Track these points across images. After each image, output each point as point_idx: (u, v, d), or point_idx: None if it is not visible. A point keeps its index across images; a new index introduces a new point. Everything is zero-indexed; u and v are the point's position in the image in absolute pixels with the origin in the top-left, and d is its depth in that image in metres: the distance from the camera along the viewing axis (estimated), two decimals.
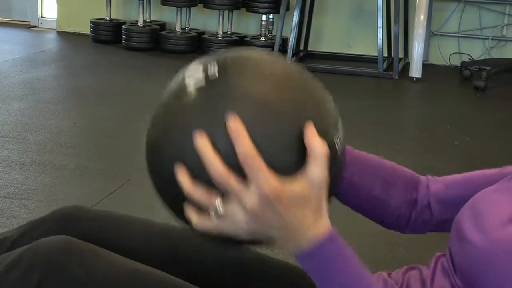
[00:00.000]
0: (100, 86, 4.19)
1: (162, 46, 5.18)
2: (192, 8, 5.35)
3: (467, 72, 4.76)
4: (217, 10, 5.18)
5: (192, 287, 1.02)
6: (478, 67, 4.78)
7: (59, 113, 3.52)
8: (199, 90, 0.78)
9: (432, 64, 5.18)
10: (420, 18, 4.59)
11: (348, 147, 1.03)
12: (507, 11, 5.14)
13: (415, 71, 4.62)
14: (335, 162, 0.82)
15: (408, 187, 1.08)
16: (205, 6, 5.20)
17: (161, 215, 2.43)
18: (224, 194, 0.76)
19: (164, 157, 0.80)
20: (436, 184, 1.08)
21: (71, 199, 2.42)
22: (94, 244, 1.06)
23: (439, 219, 1.06)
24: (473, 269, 0.86)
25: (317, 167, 0.77)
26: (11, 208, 2.30)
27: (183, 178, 0.78)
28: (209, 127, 0.76)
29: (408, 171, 1.10)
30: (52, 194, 2.45)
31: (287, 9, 5.01)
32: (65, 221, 1.15)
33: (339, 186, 1.01)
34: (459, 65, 4.90)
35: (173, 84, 0.86)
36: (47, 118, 3.38)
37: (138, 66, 4.78)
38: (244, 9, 5.20)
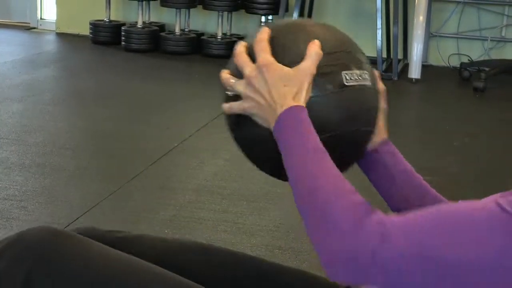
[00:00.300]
0: (100, 88, 4.19)
1: (162, 47, 5.18)
2: (191, 10, 5.35)
3: (466, 73, 4.76)
4: (216, 12, 5.18)
5: (181, 279, 1.02)
6: (477, 68, 4.79)
7: (58, 114, 3.52)
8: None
9: (431, 65, 5.18)
10: (419, 19, 4.60)
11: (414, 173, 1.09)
12: (506, 12, 5.14)
13: (414, 72, 4.62)
14: (341, 91, 0.97)
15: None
16: (205, 8, 5.21)
17: (160, 217, 2.45)
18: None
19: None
20: None
21: (71, 201, 2.42)
22: None
23: None
24: None
25: (307, 60, 0.95)
26: (11, 210, 2.30)
27: (223, 73, 1.01)
28: (251, 39, 1.01)
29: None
30: (51, 195, 2.45)
31: (286, 10, 5.01)
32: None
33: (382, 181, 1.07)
34: (458, 66, 4.90)
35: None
36: (46, 120, 3.38)
37: (137, 68, 4.78)
38: (243, 10, 5.20)
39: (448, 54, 5.14)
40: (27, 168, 2.69)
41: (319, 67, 0.96)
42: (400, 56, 4.98)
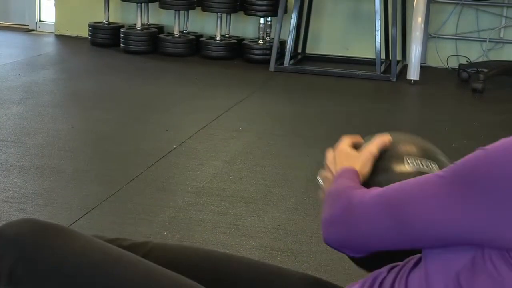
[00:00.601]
0: (99, 90, 4.19)
1: (160, 49, 5.19)
2: (190, 11, 5.36)
3: (464, 75, 4.77)
4: (215, 13, 5.19)
5: (163, 270, 1.02)
6: (475, 69, 4.79)
7: (57, 116, 3.52)
8: None
9: (430, 67, 5.19)
10: (417, 21, 4.60)
11: None
12: (504, 14, 5.15)
13: (413, 73, 4.63)
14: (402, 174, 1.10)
15: None
16: (203, 9, 5.21)
17: (159, 219, 2.45)
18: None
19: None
20: None
21: (70, 203, 2.42)
22: None
23: None
24: None
25: (370, 144, 1.16)
26: (10, 212, 2.30)
27: (321, 174, 1.21)
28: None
29: None
30: (50, 198, 2.45)
31: (285, 12, 5.02)
32: None
33: None
34: (457, 67, 4.90)
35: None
36: (45, 122, 3.39)
37: (136, 70, 4.78)
38: (242, 12, 5.21)
39: (447, 56, 5.14)
40: (26, 170, 2.69)
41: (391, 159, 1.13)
42: (398, 57, 4.98)
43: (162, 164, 2.87)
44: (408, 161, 1.12)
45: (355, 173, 1.12)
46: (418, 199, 0.94)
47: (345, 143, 1.20)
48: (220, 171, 2.80)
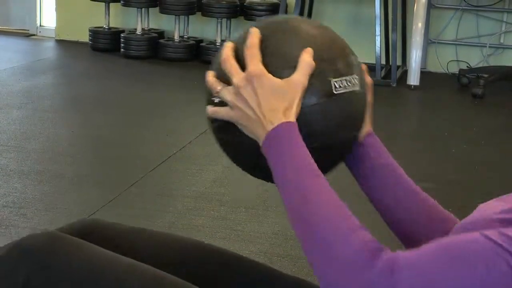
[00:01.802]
0: (99, 94, 4.19)
1: (161, 54, 5.19)
2: (190, 16, 5.37)
3: (465, 80, 4.77)
4: (215, 18, 5.20)
5: (185, 283, 1.02)
6: (476, 74, 4.79)
7: (57, 121, 3.53)
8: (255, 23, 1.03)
9: (430, 72, 5.19)
10: (418, 26, 4.61)
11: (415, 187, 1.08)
12: (504, 19, 5.15)
13: (413, 78, 4.63)
14: (330, 100, 0.95)
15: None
16: (203, 14, 5.22)
17: (159, 224, 2.44)
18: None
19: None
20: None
21: (70, 208, 2.42)
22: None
23: None
24: None
25: (299, 72, 0.93)
26: (10, 217, 2.30)
27: (209, 77, 0.99)
28: (238, 41, 0.98)
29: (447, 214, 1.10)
30: (50, 203, 2.45)
31: None
32: (81, 234, 1.15)
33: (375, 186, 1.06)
34: (457, 72, 4.91)
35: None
36: (45, 127, 3.39)
37: (136, 74, 4.78)
38: (242, 17, 5.22)
39: (447, 61, 5.15)
40: (26, 175, 2.69)
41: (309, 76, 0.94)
42: (399, 62, 4.99)
43: (161, 169, 2.87)
44: (336, 85, 0.96)
45: (301, 141, 0.91)
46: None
47: (254, 61, 0.93)
48: (219, 176, 2.80)
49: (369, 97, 1.07)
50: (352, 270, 0.80)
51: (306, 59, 0.93)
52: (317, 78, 0.95)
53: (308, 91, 0.94)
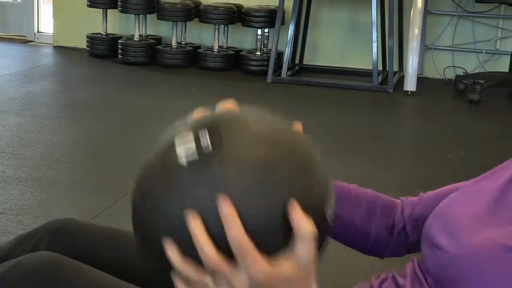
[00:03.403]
0: (96, 101, 4.20)
1: (158, 60, 5.20)
2: (187, 23, 5.38)
3: (461, 86, 4.79)
4: (213, 25, 5.21)
5: None
6: (472, 80, 4.81)
7: (55, 128, 3.53)
8: (192, 164, 0.76)
9: (426, 78, 5.20)
10: (414, 32, 4.62)
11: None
12: (500, 25, 5.17)
13: (410, 84, 4.64)
14: (327, 231, 0.81)
15: (386, 213, 1.11)
16: (201, 21, 5.23)
17: None
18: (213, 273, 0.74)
19: (152, 232, 0.78)
20: (409, 205, 1.11)
21: (67, 214, 2.42)
22: (83, 256, 1.07)
23: (415, 240, 1.08)
24: (447, 276, 0.86)
25: (305, 247, 0.74)
26: (7, 224, 2.30)
27: (173, 254, 0.75)
28: (201, 206, 0.74)
29: (384, 197, 1.13)
30: (47, 209, 2.45)
31: (282, 23, 5.04)
32: (56, 234, 1.17)
33: None
34: (454, 78, 4.92)
35: (162, 149, 0.82)
36: (43, 133, 3.39)
37: (134, 81, 4.79)
38: (240, 23, 5.23)
39: (443, 67, 5.16)
40: (24, 182, 2.70)
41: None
42: (395, 68, 5.00)
43: None
44: (329, 213, 0.80)
45: None
46: None
47: (252, 261, 0.72)
48: None
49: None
50: None
51: (303, 227, 0.74)
52: (317, 216, 0.77)
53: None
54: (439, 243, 0.89)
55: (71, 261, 1.05)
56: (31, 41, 6.05)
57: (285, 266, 0.74)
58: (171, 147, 0.80)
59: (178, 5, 5.16)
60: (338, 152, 3.24)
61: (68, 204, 2.53)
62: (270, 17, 5.09)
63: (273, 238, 0.75)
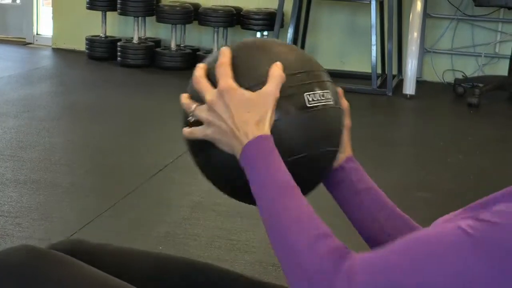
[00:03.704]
0: (95, 103, 4.20)
1: (157, 63, 5.20)
2: (187, 25, 5.38)
3: (460, 89, 4.79)
4: (212, 27, 5.21)
5: None
6: (471, 84, 4.81)
7: (53, 130, 3.53)
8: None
9: (425, 81, 5.21)
10: (413, 36, 4.62)
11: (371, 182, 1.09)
12: (499, 29, 5.17)
13: (409, 88, 4.64)
14: (303, 112, 0.97)
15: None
16: (200, 23, 5.23)
17: (155, 233, 2.44)
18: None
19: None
20: None
21: (66, 217, 2.42)
22: None
23: None
24: None
25: (270, 84, 0.94)
26: (5, 226, 2.30)
27: (183, 98, 1.04)
28: (211, 60, 1.02)
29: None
30: (46, 212, 2.45)
31: (282, 26, 5.04)
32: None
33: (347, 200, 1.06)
34: (453, 82, 4.92)
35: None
36: (41, 136, 3.39)
37: (133, 83, 4.79)
38: (239, 26, 5.23)
39: (443, 70, 5.17)
40: (22, 184, 2.69)
41: (281, 89, 0.95)
42: (394, 72, 5.00)
43: (158, 179, 2.87)
44: (309, 98, 0.98)
45: (276, 153, 0.92)
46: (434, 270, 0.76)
47: (225, 77, 0.96)
48: None
49: (347, 121, 1.09)
50: (316, 277, 0.82)
51: (276, 71, 0.95)
52: (290, 91, 0.96)
53: (281, 104, 0.95)
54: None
55: (53, 253, 1.03)
56: (30, 43, 6.05)
57: (248, 91, 0.94)
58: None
59: (178, 8, 5.17)
60: None
61: (67, 207, 2.52)
62: (269, 20, 5.09)
63: (253, 77, 0.97)
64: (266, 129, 0.93)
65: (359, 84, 4.84)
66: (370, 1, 4.69)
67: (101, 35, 5.47)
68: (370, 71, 4.77)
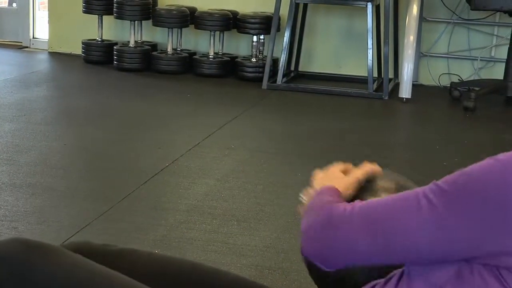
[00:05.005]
0: (92, 107, 4.20)
1: (154, 66, 5.20)
2: (183, 29, 5.38)
3: (456, 93, 4.79)
4: (208, 31, 5.21)
5: None
6: (467, 87, 4.82)
7: (50, 134, 3.52)
8: None
9: (421, 85, 5.21)
10: (409, 39, 4.63)
11: None
12: (495, 32, 5.18)
13: (405, 91, 4.65)
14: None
15: None
16: (196, 27, 5.23)
17: (151, 237, 2.44)
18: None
19: None
20: None
21: (62, 221, 2.42)
22: None
23: None
24: None
25: (355, 171, 1.29)
26: (1, 230, 2.29)
27: (305, 192, 1.25)
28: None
29: None
30: (42, 216, 2.45)
31: (278, 30, 5.04)
32: None
33: None
34: (449, 85, 4.93)
35: None
36: (38, 140, 3.39)
37: (129, 87, 4.79)
38: (235, 30, 5.23)
39: (439, 74, 5.18)
40: (18, 188, 2.69)
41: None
42: (390, 75, 5.01)
43: (154, 182, 2.87)
44: (382, 196, 1.13)
45: (336, 191, 1.14)
46: (404, 215, 0.93)
47: (335, 167, 1.25)
48: (212, 189, 2.80)
49: None
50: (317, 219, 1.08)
51: (371, 167, 1.26)
52: (371, 193, 1.21)
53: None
54: None
55: (44, 244, 1.03)
56: (27, 47, 6.05)
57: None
58: None
59: (174, 12, 5.17)
60: (333, 158, 3.23)
61: (63, 211, 2.52)
62: (266, 24, 5.09)
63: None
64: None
65: (355, 88, 4.84)
66: (366, 5, 4.70)
67: (97, 39, 5.47)
68: (366, 74, 4.78)
